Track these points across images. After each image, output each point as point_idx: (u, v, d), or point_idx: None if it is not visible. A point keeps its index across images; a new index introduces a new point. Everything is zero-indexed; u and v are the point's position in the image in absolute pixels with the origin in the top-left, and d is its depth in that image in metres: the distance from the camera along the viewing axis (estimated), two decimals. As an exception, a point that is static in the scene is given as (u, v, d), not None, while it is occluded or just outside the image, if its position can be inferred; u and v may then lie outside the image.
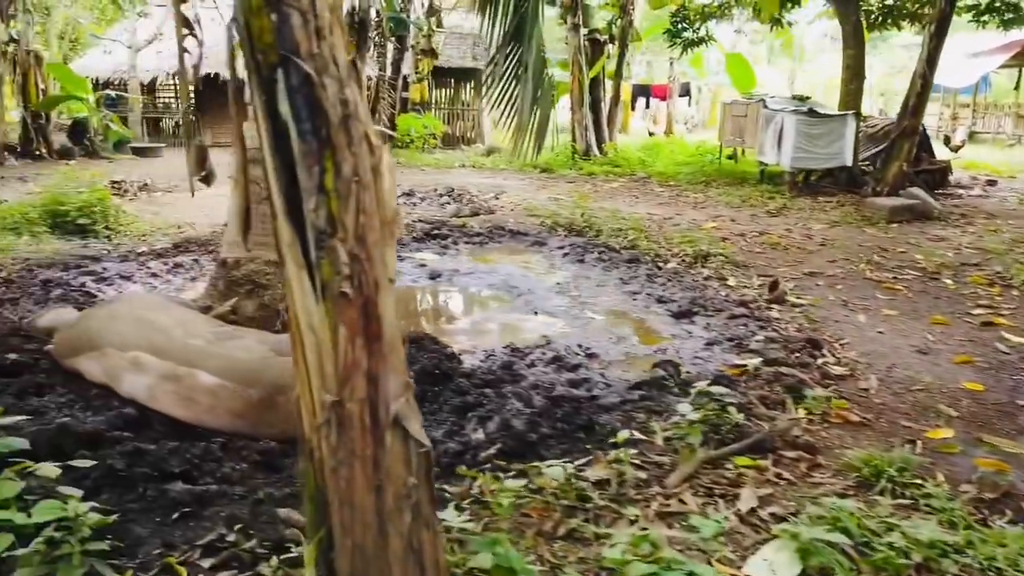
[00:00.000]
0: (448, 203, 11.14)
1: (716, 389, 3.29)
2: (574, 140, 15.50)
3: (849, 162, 10.76)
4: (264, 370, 3.46)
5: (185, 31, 4.43)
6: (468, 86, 21.85)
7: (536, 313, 5.56)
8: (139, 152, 18.54)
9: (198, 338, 3.62)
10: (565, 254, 7.35)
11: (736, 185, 12.09)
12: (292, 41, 1.50)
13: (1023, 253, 7.29)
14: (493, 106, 7.03)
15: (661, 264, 6.69)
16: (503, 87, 7.14)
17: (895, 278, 6.36)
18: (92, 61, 21.60)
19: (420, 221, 8.99)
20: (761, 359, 4.05)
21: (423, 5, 18.10)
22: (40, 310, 5.17)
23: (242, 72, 1.79)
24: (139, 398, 3.58)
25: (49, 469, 2.37)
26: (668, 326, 5.16)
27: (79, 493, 2.35)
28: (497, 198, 11.06)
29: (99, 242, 7.51)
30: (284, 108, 1.53)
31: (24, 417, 2.39)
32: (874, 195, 9.71)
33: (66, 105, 18.32)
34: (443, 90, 21.88)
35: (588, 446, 3.21)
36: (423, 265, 6.88)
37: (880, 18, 12.59)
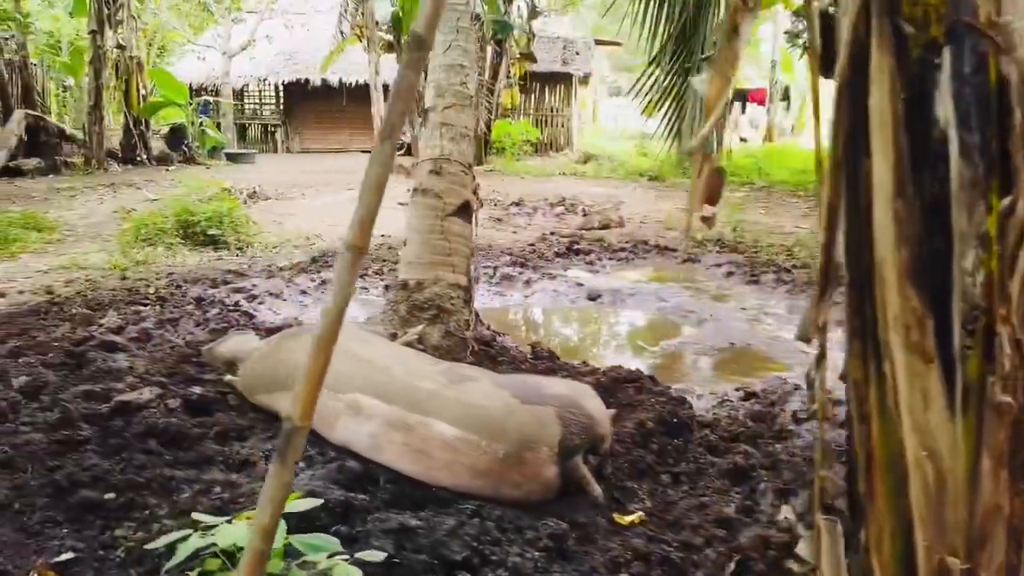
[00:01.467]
0: (563, 213, 10.61)
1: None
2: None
3: None
4: (509, 421, 2.91)
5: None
6: (557, 91, 21.32)
7: (733, 345, 4.92)
8: (232, 158, 18.60)
9: (426, 379, 3.10)
10: (729, 273, 6.70)
11: (873, 196, 11.19)
12: (970, 4, 0.93)
13: None
14: (651, 108, 6.46)
15: (853, 287, 5.97)
16: (667, 88, 6.55)
17: None
18: (185, 67, 21.87)
19: (552, 234, 8.46)
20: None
21: (519, 8, 17.65)
22: (197, 330, 4.80)
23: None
24: (358, 448, 3.09)
25: (349, 572, 1.86)
26: (904, 364, 4.46)
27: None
28: (618, 209, 10.45)
29: (231, 254, 7.19)
30: (944, 109, 0.96)
31: (317, 501, 1.93)
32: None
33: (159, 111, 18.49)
34: (530, 95, 21.40)
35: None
36: (579, 284, 6.32)
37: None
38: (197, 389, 3.71)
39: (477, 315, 4.63)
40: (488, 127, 16.47)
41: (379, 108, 14.60)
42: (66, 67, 16.75)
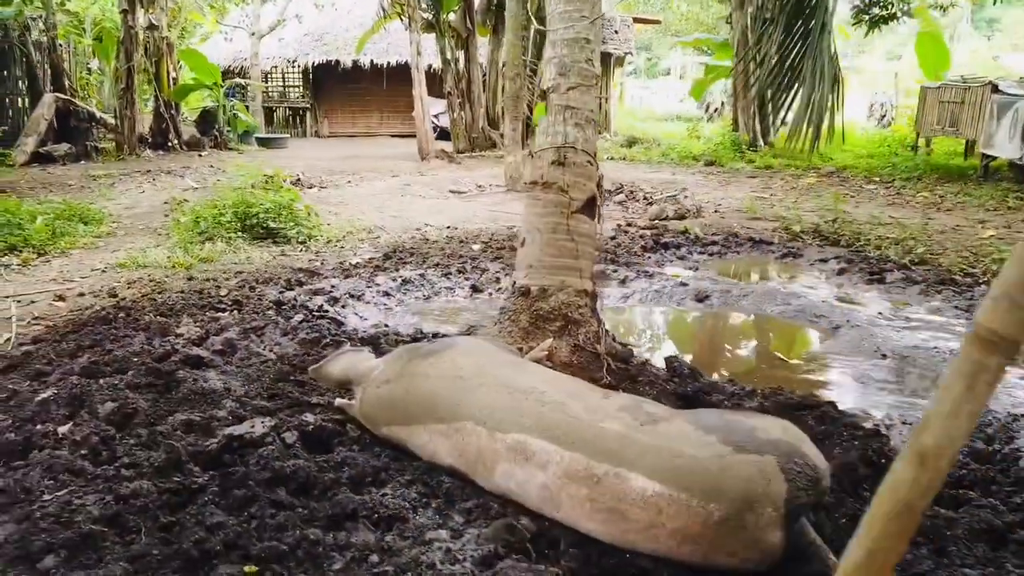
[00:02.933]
0: (625, 201, 10.02)
1: None
2: (736, 129, 14.10)
3: (1116, 157, 9.12)
4: (725, 475, 2.36)
5: None
6: (593, 72, 20.56)
7: (884, 357, 4.36)
8: (264, 143, 18.10)
9: (609, 418, 2.56)
10: (841, 270, 6.11)
11: (955, 181, 10.53)
12: None
13: None
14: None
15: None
16: (778, 68, 5.95)
17: None
18: (211, 49, 21.31)
19: (631, 226, 7.88)
20: None
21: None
22: (285, 340, 4.28)
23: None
24: (525, 500, 2.57)
25: None
26: (1100, 383, 3.88)
27: None
28: (686, 196, 9.85)
29: (294, 249, 6.67)
30: None
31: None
32: None
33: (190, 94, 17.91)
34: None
35: None
36: (683, 284, 5.75)
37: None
38: (309, 417, 3.21)
39: (602, 325, 4.09)
40: (530, 109, 15.82)
41: (421, 91, 14.03)
42: (98, 48, 16.24)
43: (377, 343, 4.26)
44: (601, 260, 6.41)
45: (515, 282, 4.08)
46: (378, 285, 5.48)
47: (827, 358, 4.39)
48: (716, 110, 24.74)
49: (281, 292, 5.14)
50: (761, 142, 13.91)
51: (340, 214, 8.27)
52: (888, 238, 6.81)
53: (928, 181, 10.63)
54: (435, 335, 4.50)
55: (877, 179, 10.97)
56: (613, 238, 7.21)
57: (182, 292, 5.06)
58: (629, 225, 7.86)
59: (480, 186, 10.94)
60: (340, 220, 7.91)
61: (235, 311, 4.69)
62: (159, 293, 5.04)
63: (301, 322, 4.55)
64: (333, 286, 5.35)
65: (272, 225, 6.93)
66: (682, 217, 8.37)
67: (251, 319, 4.52)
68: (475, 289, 5.59)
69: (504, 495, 2.65)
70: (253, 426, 3.06)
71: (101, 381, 3.50)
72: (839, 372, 4.18)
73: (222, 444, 2.91)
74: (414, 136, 19.62)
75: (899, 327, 4.78)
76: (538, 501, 2.54)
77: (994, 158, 10.40)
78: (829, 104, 6.51)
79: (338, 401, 3.39)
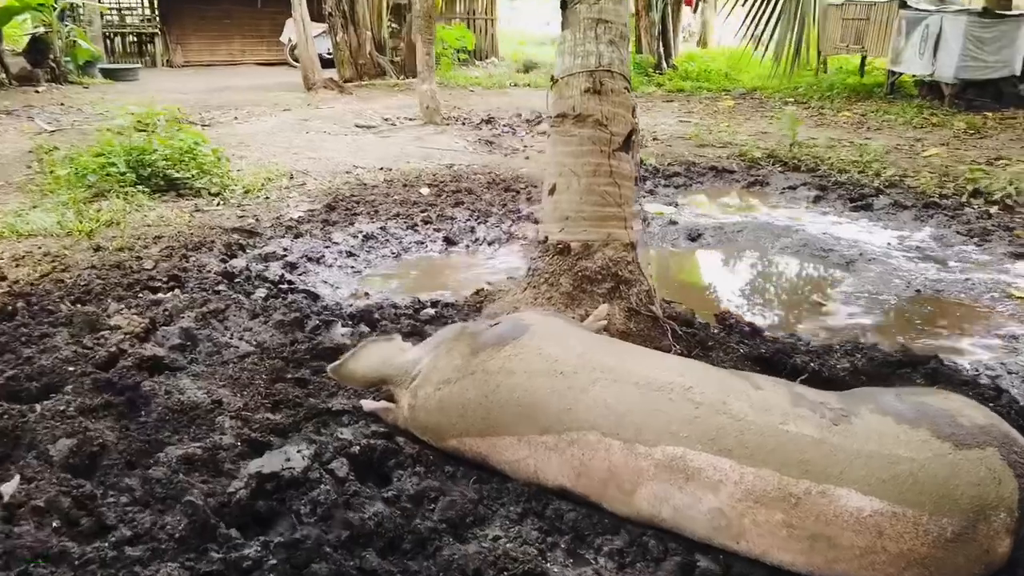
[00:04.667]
0: (547, 134, 9.39)
1: None
2: (640, 51, 13.63)
3: (1018, 71, 9.41)
4: (955, 480, 1.90)
5: None
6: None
7: (919, 292, 4.10)
8: (110, 75, 15.81)
9: (791, 418, 2.02)
10: (817, 198, 5.85)
11: (865, 100, 10.65)
12: None
13: None
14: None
15: (986, 210, 5.26)
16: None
17: None
18: (30, -35, 18.14)
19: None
20: None
21: None
22: (256, 324, 3.41)
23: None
24: (686, 529, 2.04)
25: None
26: None
27: None
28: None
29: (207, 202, 5.57)
30: None
31: None
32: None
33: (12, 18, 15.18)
34: (445, -3, 19.35)
35: None
36: (673, 223, 5.27)
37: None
38: (346, 434, 2.47)
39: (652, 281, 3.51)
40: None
41: (302, 11, 12.53)
42: None
43: (371, 319, 3.51)
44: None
45: (547, 237, 3.41)
46: (336, 244, 4.61)
47: (862, 298, 4.06)
48: (596, 32, 24.12)
49: (224, 261, 4.18)
50: (665, 64, 13.56)
51: (245, 157, 7.10)
52: (851, 161, 6.62)
53: (841, 101, 10.69)
54: (434, 304, 3.78)
55: (792, 100, 10.93)
56: (569, 173, 6.59)
57: (94, 268, 3.99)
58: (577, 157, 7.26)
59: (388, 119, 9.92)
60: (249, 165, 6.77)
61: (176, 289, 3.72)
62: (63, 271, 3.94)
63: (268, 298, 3.68)
64: (285, 248, 4.43)
65: (174, 175, 5.77)
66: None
67: (203, 299, 3.58)
68: (449, 242, 4.85)
69: (649, 523, 2.09)
70: (288, 457, 2.29)
71: (38, 408, 2.56)
72: (886, 314, 3.87)
73: (252, 488, 2.14)
74: (284, 65, 17.86)
75: (915, 258, 4.55)
76: (708, 530, 2.00)
77: (900, 75, 10.56)
78: (807, 23, 6.07)
79: (369, 405, 2.67)
